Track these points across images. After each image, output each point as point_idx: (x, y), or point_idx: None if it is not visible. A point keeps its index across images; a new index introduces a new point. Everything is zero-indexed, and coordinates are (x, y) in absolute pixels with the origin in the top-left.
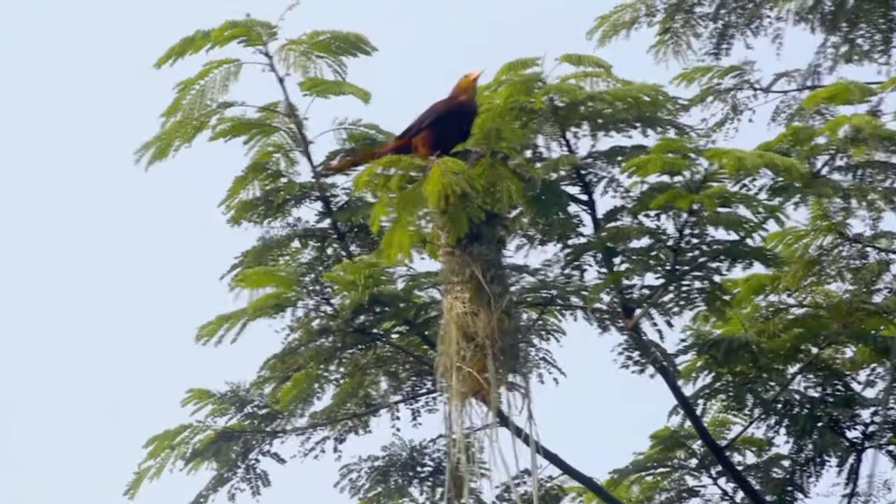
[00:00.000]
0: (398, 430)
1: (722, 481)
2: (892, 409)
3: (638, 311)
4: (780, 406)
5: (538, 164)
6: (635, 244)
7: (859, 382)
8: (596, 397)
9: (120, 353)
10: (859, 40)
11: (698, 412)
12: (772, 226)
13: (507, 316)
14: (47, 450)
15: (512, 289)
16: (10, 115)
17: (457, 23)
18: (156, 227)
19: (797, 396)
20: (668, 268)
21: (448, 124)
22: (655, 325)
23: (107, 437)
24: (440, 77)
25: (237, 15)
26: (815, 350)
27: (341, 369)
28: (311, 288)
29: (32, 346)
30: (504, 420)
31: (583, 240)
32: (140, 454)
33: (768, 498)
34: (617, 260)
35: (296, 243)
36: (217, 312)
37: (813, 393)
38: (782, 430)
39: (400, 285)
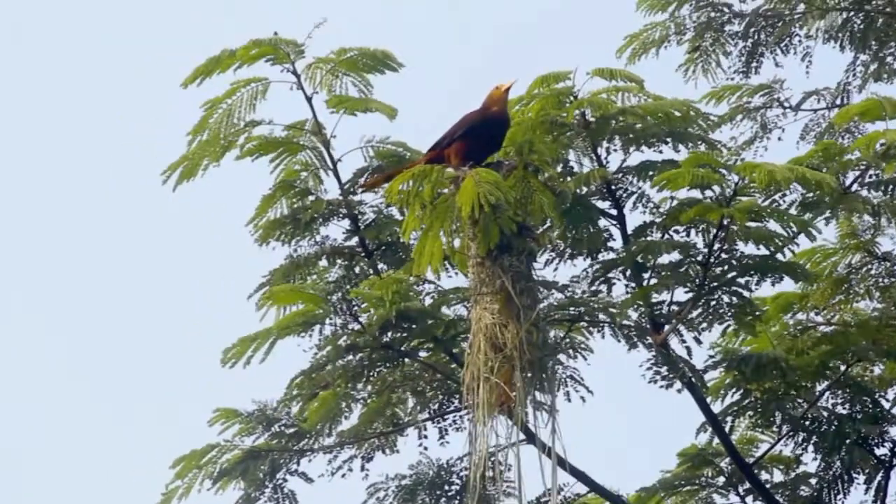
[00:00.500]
0: (425, 448)
1: (750, 499)
2: None
3: (667, 327)
4: (808, 423)
5: (569, 178)
6: (664, 259)
7: (888, 399)
8: (624, 414)
9: (147, 373)
10: (889, 58)
11: (726, 429)
12: (802, 241)
13: (536, 328)
14: (75, 473)
15: (540, 304)
16: (39, 138)
17: (482, 33)
18: (183, 245)
19: (825, 413)
20: (697, 283)
21: (480, 135)
22: (684, 341)
23: (134, 458)
24: (466, 91)
25: (264, 33)
26: (843, 367)
27: (368, 387)
28: (338, 305)
29: (60, 366)
30: (531, 437)
31: (612, 255)
32: (167, 474)
33: None
34: (646, 275)
35: (323, 261)
36: (245, 332)
37: (841, 410)
38: (810, 448)
39: (427, 302)
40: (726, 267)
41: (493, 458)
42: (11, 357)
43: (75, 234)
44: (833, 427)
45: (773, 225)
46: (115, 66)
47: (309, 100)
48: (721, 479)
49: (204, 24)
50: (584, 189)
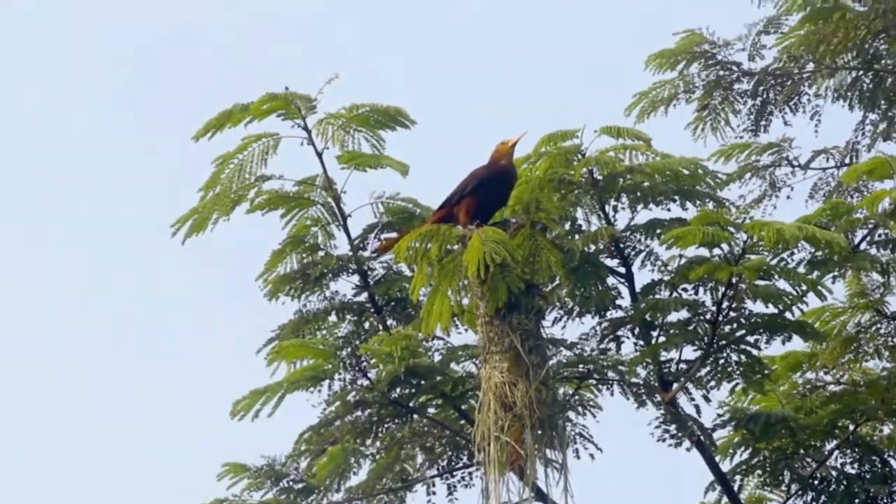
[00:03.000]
0: None
1: None
2: None
3: (675, 385)
4: (817, 482)
5: (577, 237)
6: (673, 317)
7: None
8: (632, 472)
9: (155, 427)
10: None
11: (735, 488)
12: (811, 299)
13: (545, 386)
14: None
15: (550, 361)
16: (48, 187)
17: (490, 93)
18: (190, 299)
19: (834, 473)
20: (705, 341)
21: (489, 190)
22: (692, 399)
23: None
24: (476, 145)
25: (276, 88)
26: (852, 427)
27: (377, 443)
28: (347, 361)
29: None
30: (541, 496)
31: (620, 312)
32: None
33: None
34: (654, 333)
35: (333, 317)
36: (253, 386)
37: (850, 469)
38: None
39: (436, 358)
40: (735, 325)
41: None
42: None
43: (83, 288)
44: (842, 486)
45: (781, 283)
46: (122, 122)
47: (319, 155)
48: None
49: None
50: (592, 247)
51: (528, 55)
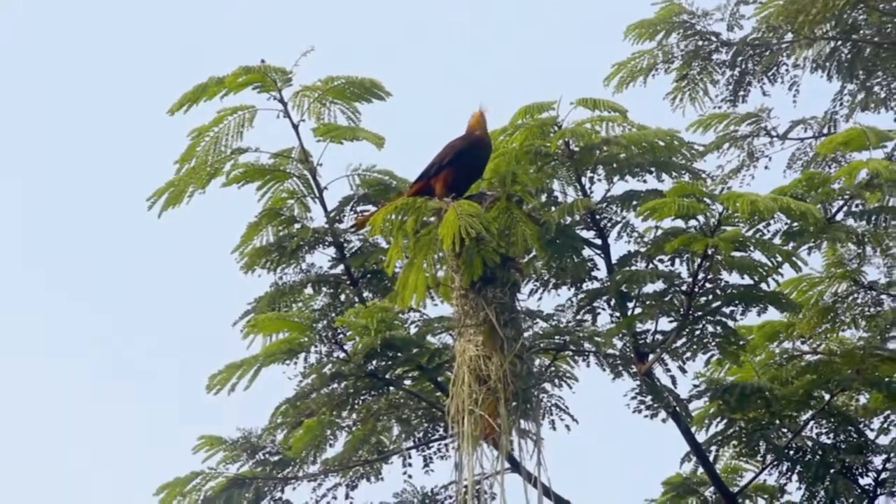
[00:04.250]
0: (410, 476)
1: None
2: None
3: (651, 357)
4: (792, 452)
5: (553, 209)
6: (649, 289)
7: (872, 429)
8: (608, 443)
9: (133, 398)
10: (876, 88)
11: (711, 458)
12: (787, 271)
13: (520, 360)
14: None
15: (525, 334)
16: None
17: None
18: (169, 273)
19: (810, 443)
20: (681, 312)
21: (466, 161)
22: (668, 370)
23: (118, 485)
24: (452, 117)
25: (252, 61)
26: (828, 396)
27: (353, 415)
28: (323, 333)
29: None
30: (516, 466)
31: (596, 284)
32: (151, 502)
33: None
34: (630, 304)
35: (309, 289)
36: (229, 359)
37: (825, 439)
38: (795, 477)
39: (412, 330)
40: (711, 296)
41: (478, 488)
42: None
43: (57, 259)
44: (817, 456)
45: (757, 255)
46: (102, 91)
47: (296, 127)
48: None
49: (191, 50)
50: (569, 219)
51: (505, 35)
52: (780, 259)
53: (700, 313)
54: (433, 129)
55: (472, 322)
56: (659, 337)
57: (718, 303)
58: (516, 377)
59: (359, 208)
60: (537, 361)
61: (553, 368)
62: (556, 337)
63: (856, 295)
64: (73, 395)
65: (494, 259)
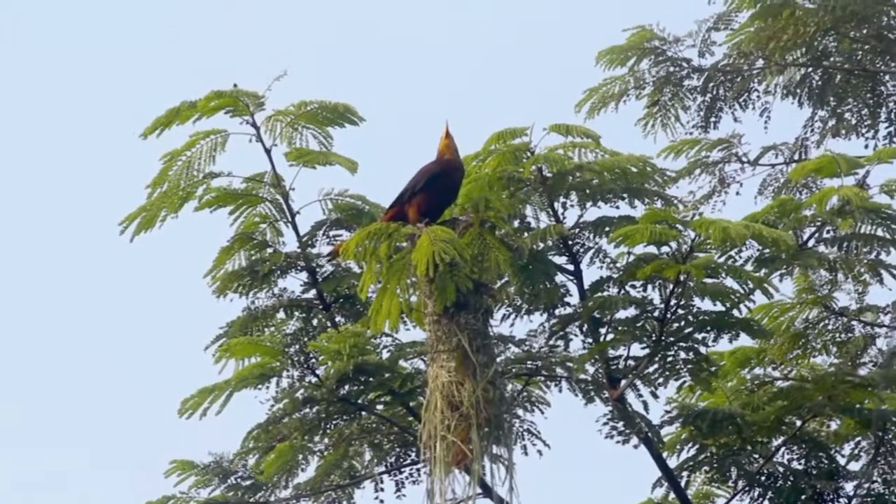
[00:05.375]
0: (382, 501)
1: None
2: (875, 481)
3: (623, 382)
4: (763, 478)
5: (526, 234)
6: (621, 314)
7: (843, 455)
8: (580, 468)
9: (106, 424)
10: (847, 115)
11: (682, 484)
12: (758, 297)
13: (493, 386)
14: None
15: (498, 359)
16: None
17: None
18: (140, 297)
19: (781, 469)
20: (653, 338)
21: (440, 185)
22: (640, 396)
23: None
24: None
25: (224, 85)
26: (799, 423)
27: (325, 440)
28: (296, 358)
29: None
30: (488, 491)
31: (569, 310)
32: None
33: None
34: (603, 330)
35: (281, 314)
36: (201, 384)
37: (797, 465)
38: (766, 503)
39: (385, 355)
40: (683, 322)
41: None
42: None
43: (26, 279)
44: (789, 482)
45: (729, 281)
46: (72, 118)
47: (268, 152)
48: None
49: (163, 75)
50: (541, 245)
51: (481, 52)
52: (751, 285)
53: (672, 339)
54: (405, 154)
55: (445, 348)
56: (631, 363)
57: (690, 329)
58: (489, 403)
59: (332, 233)
60: (510, 386)
61: (525, 393)
62: (529, 362)
63: (827, 321)
64: None
65: (467, 285)
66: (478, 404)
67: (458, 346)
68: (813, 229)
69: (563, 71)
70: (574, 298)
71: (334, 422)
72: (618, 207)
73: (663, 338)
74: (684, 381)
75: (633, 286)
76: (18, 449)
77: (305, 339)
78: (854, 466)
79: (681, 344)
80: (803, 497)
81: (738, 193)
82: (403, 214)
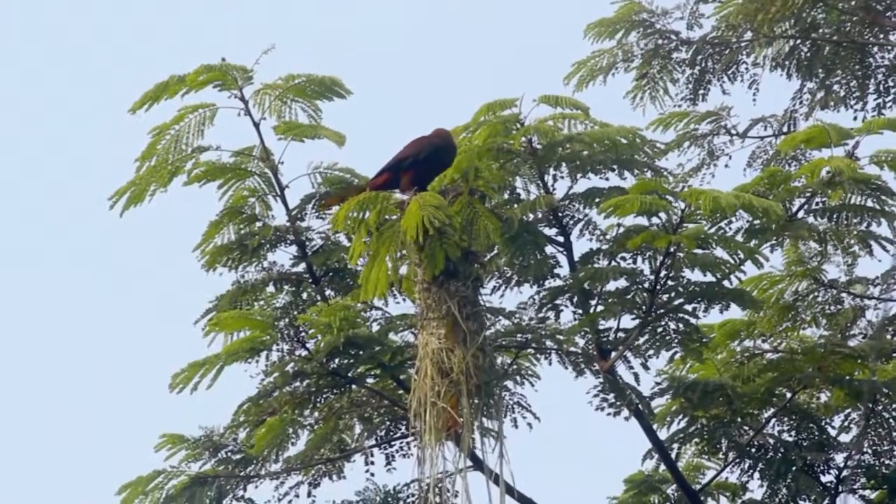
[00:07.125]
0: (372, 474)
1: None
2: (865, 453)
3: (613, 354)
4: (754, 450)
5: (515, 205)
6: (611, 286)
7: (833, 427)
8: (570, 440)
9: (94, 398)
10: (836, 86)
11: (673, 456)
12: (749, 268)
13: (483, 353)
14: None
15: (487, 332)
16: None
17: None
18: (129, 271)
19: (771, 440)
20: (643, 310)
21: (438, 160)
22: (631, 367)
23: (80, 485)
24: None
25: (213, 59)
26: (789, 394)
27: (315, 414)
28: (286, 332)
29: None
30: (478, 464)
31: (559, 281)
32: (113, 501)
33: None
34: (593, 302)
35: (271, 287)
36: (191, 358)
37: (787, 437)
38: (756, 475)
39: (375, 328)
40: (673, 294)
41: (440, 485)
42: None
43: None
44: (779, 454)
45: (719, 252)
46: (59, 94)
47: (257, 126)
48: None
49: (155, 49)
50: (531, 216)
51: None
52: (742, 256)
53: (662, 310)
54: (393, 128)
55: (435, 315)
56: (621, 334)
57: (681, 300)
58: (479, 370)
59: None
60: (499, 359)
61: (515, 366)
62: (518, 335)
63: (816, 293)
64: None
65: (457, 253)
66: (467, 371)
67: (448, 313)
68: (803, 200)
69: (552, 44)
70: (564, 270)
71: (324, 395)
72: (607, 179)
73: (653, 309)
74: (675, 353)
75: (623, 257)
76: None
77: (295, 312)
78: (844, 438)
79: (671, 315)
80: (794, 468)
81: (727, 166)
82: (396, 181)
